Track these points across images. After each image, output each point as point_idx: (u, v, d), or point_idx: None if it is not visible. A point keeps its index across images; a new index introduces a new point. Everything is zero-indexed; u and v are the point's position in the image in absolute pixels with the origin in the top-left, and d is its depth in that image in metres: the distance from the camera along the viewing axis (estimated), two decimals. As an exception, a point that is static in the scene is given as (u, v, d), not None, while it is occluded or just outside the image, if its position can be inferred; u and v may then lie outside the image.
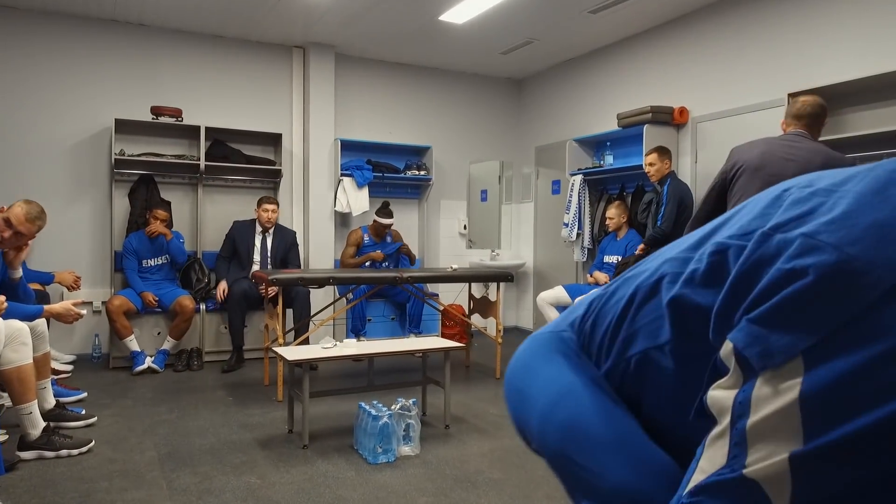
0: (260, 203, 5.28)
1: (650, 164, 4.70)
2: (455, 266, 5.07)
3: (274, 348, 3.43)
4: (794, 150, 3.23)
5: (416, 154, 6.66)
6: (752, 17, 4.64)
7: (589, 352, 0.94)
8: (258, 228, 5.33)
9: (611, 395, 0.89)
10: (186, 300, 4.89)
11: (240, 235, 5.29)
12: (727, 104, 4.82)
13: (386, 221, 5.72)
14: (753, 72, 4.63)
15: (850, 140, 3.78)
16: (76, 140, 5.40)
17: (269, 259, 5.32)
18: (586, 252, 5.76)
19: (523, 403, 0.99)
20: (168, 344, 4.89)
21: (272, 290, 4.41)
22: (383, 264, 5.74)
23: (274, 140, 5.98)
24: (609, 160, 5.66)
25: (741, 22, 4.73)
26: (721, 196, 3.28)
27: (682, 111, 5.10)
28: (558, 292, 5.30)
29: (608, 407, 0.87)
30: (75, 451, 2.95)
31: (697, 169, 5.07)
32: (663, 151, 4.70)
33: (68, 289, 4.83)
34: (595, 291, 1.00)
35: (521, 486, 2.69)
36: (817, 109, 3.25)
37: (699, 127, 5.05)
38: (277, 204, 5.36)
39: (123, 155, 5.30)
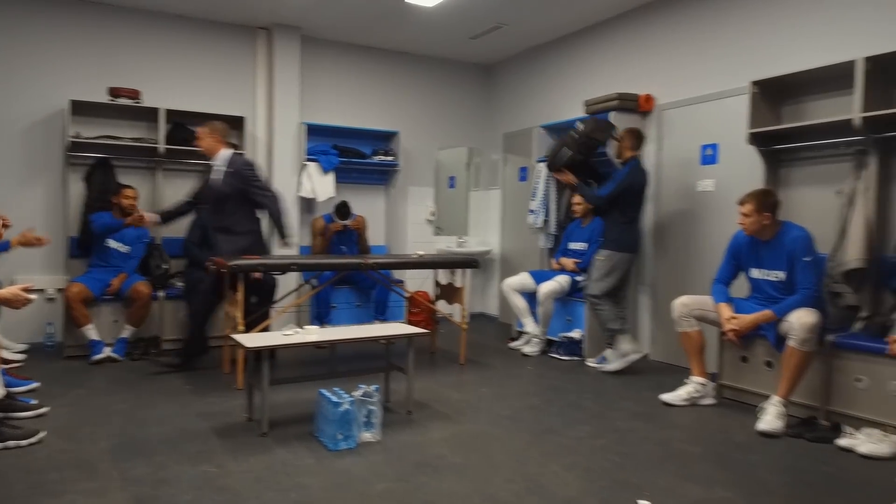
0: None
1: (615, 141, 4.87)
2: (421, 252, 5.03)
3: (233, 335, 3.36)
4: None
5: (384, 139, 6.58)
6: (718, 6, 4.67)
7: None
8: None
9: None
10: (142, 286, 4.75)
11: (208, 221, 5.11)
12: (692, 92, 4.85)
13: (341, 223, 5.68)
14: (718, 60, 4.66)
15: (808, 129, 3.83)
16: (28, 122, 5.20)
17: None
18: (552, 239, 5.76)
19: None
20: (126, 332, 4.75)
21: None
22: (342, 248, 5.72)
23: (237, 123, 5.85)
24: (576, 147, 5.65)
25: (707, 10, 4.75)
26: None
27: (648, 98, 5.12)
28: (523, 278, 5.31)
29: None
30: (24, 442, 2.85)
31: (662, 156, 5.10)
32: (628, 134, 4.77)
33: (33, 242, 4.15)
34: None
35: (481, 470, 2.68)
36: None
37: (664, 114, 5.07)
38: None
39: (79, 137, 5.12)
